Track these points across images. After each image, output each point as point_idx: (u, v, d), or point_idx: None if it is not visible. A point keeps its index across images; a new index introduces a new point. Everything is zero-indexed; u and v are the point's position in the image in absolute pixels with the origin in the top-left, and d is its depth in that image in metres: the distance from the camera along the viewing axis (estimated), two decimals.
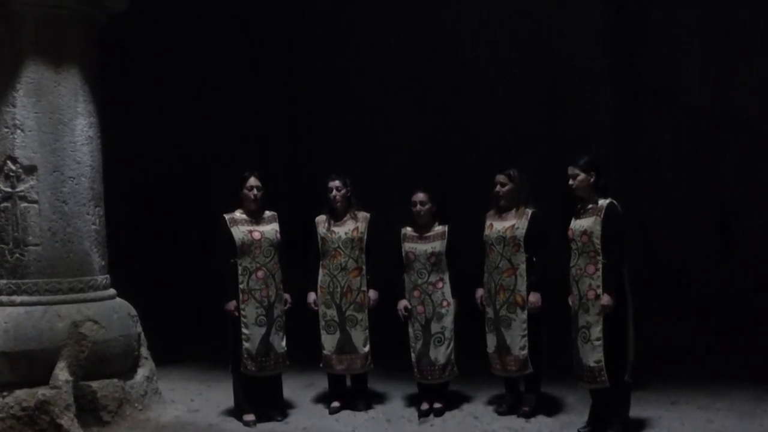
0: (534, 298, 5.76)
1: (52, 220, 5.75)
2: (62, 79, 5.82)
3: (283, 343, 6.07)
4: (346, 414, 6.16)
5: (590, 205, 5.36)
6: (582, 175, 5.36)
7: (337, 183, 6.21)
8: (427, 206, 6.06)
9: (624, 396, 5.36)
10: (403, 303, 6.08)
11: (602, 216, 5.27)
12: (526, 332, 5.79)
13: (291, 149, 10.72)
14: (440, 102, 9.75)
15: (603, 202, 5.32)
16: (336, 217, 6.23)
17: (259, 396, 6.04)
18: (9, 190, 5.74)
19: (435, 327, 6.00)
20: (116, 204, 6.63)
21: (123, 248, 7.25)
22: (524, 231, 5.77)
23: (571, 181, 5.40)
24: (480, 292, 6.03)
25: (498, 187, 5.90)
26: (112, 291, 6.11)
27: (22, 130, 5.73)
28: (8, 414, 5.49)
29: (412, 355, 6.09)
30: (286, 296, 6.13)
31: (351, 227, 6.19)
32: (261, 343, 5.93)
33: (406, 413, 6.14)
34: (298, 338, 6.28)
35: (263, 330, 5.94)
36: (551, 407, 6.05)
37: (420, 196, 6.07)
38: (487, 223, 5.96)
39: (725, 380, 6.57)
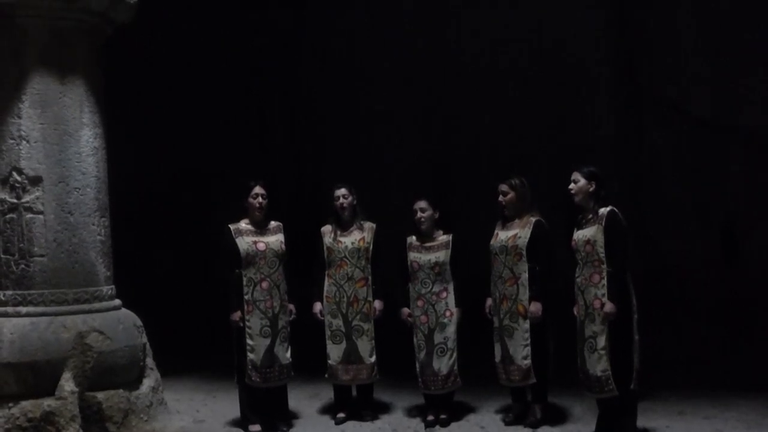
0: (534, 307, 5.75)
1: (57, 230, 5.74)
2: (67, 90, 5.82)
3: (288, 354, 6.05)
4: (351, 425, 6.14)
5: (591, 215, 5.39)
6: (582, 181, 5.40)
7: (343, 191, 6.21)
8: (427, 212, 6.05)
9: (631, 406, 5.35)
10: (406, 311, 6.10)
11: (604, 224, 5.29)
12: (528, 342, 5.77)
13: (295, 159, 10.72)
14: (443, 111, 9.76)
15: (603, 211, 5.34)
16: (342, 226, 6.22)
17: (265, 407, 6.03)
18: (14, 200, 5.73)
19: (438, 337, 5.99)
20: (122, 214, 6.62)
21: (128, 258, 7.24)
22: (526, 240, 5.77)
23: (571, 185, 5.43)
24: (489, 301, 6.03)
25: (500, 197, 5.92)
26: (117, 301, 6.10)
27: (28, 141, 5.72)
28: (14, 425, 5.46)
29: (417, 365, 6.09)
30: (291, 307, 6.11)
31: (357, 237, 6.18)
32: (265, 354, 5.92)
33: (413, 424, 6.12)
34: (303, 349, 6.26)
35: (268, 341, 5.93)
36: (558, 417, 6.03)
37: (421, 203, 6.08)
38: (494, 232, 5.98)
39: (733, 390, 6.56)
